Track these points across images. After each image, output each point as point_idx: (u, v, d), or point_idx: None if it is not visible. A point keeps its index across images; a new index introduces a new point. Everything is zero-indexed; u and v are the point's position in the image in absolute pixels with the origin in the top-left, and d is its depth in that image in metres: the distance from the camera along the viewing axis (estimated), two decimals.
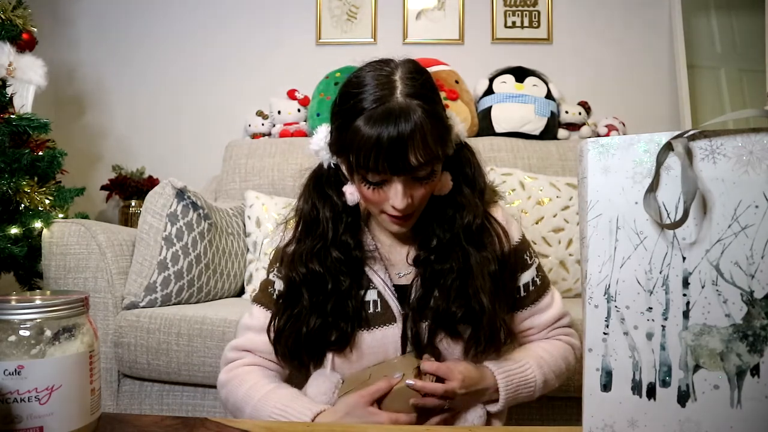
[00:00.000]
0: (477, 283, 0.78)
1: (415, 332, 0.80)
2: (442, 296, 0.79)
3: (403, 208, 0.75)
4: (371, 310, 0.82)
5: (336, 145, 0.79)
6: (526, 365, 0.84)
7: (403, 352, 0.82)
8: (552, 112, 2.14)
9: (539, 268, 0.90)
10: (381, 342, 0.81)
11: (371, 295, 0.83)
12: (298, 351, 0.81)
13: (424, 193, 0.78)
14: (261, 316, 0.87)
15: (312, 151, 0.85)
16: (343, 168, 0.81)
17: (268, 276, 0.90)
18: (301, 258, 0.82)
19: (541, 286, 0.90)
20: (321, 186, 0.85)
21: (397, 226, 0.80)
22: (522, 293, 0.88)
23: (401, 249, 0.87)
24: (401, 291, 0.83)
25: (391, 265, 0.86)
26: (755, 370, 0.46)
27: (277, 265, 0.87)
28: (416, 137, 0.71)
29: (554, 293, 0.92)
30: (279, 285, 0.86)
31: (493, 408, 0.81)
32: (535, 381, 0.83)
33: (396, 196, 0.75)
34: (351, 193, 0.81)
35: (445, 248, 0.81)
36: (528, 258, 0.89)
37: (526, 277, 0.88)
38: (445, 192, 0.82)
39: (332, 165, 0.84)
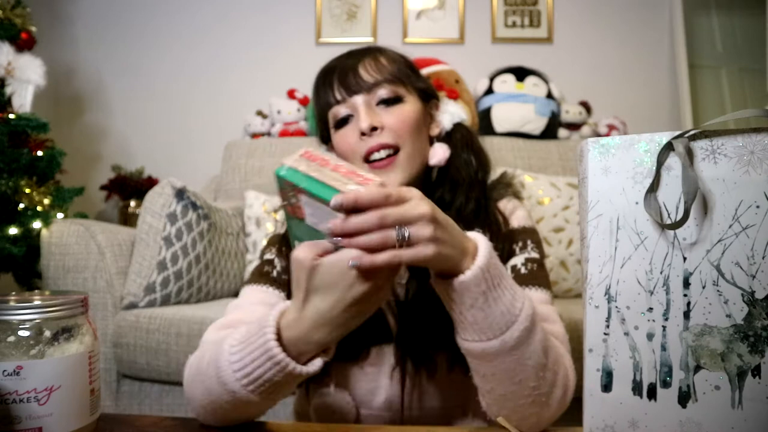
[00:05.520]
0: None
1: (412, 349, 0.73)
2: (436, 306, 0.65)
3: (368, 127, 0.72)
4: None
5: (315, 118, 0.83)
6: (519, 290, 0.58)
7: (400, 371, 0.73)
8: (552, 112, 2.14)
9: (533, 262, 0.75)
10: (377, 360, 0.74)
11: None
12: None
13: (396, 121, 0.74)
14: (257, 292, 0.74)
15: None
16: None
17: (262, 259, 0.78)
18: None
19: (526, 277, 0.73)
20: None
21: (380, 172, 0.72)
22: None
23: None
24: (400, 304, 0.76)
25: None
26: (756, 371, 0.46)
27: (276, 246, 0.79)
28: (366, 58, 0.77)
29: (549, 300, 0.74)
30: (282, 263, 0.77)
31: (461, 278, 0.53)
32: (522, 307, 0.56)
33: (358, 116, 0.74)
34: None
35: None
36: (517, 248, 0.77)
37: (510, 263, 0.75)
38: (440, 161, 0.78)
39: None
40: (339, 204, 0.48)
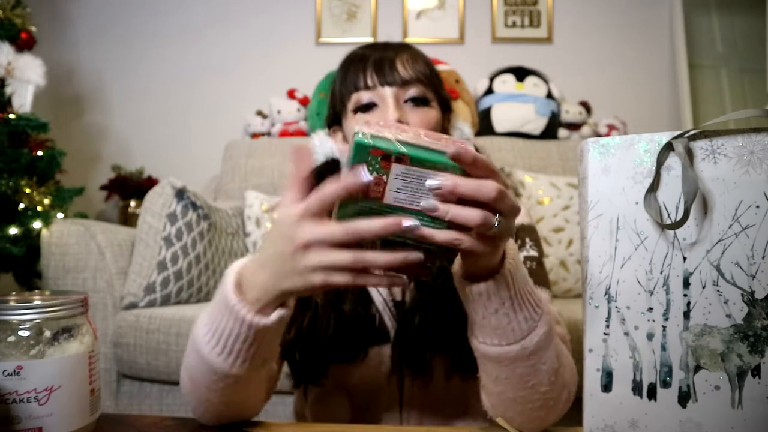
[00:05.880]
0: None
1: (409, 351, 0.72)
2: (434, 310, 0.69)
3: (395, 121, 0.71)
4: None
5: (329, 99, 0.82)
6: (537, 293, 0.57)
7: (397, 373, 0.72)
8: (552, 112, 2.14)
9: (532, 260, 0.77)
10: (374, 361, 0.74)
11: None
12: (308, 361, 0.72)
13: (420, 122, 0.74)
14: None
15: (312, 146, 0.83)
16: (337, 138, 0.82)
17: None
18: None
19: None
20: (317, 177, 0.83)
21: None
22: None
23: None
24: (398, 305, 0.76)
25: None
26: (756, 371, 0.46)
27: None
28: (404, 54, 0.77)
29: (549, 300, 0.75)
30: None
31: (481, 286, 0.52)
32: (542, 312, 0.55)
33: (387, 108, 0.73)
34: None
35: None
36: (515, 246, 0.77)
37: None
38: None
39: (329, 161, 0.83)
40: (458, 155, 0.43)
